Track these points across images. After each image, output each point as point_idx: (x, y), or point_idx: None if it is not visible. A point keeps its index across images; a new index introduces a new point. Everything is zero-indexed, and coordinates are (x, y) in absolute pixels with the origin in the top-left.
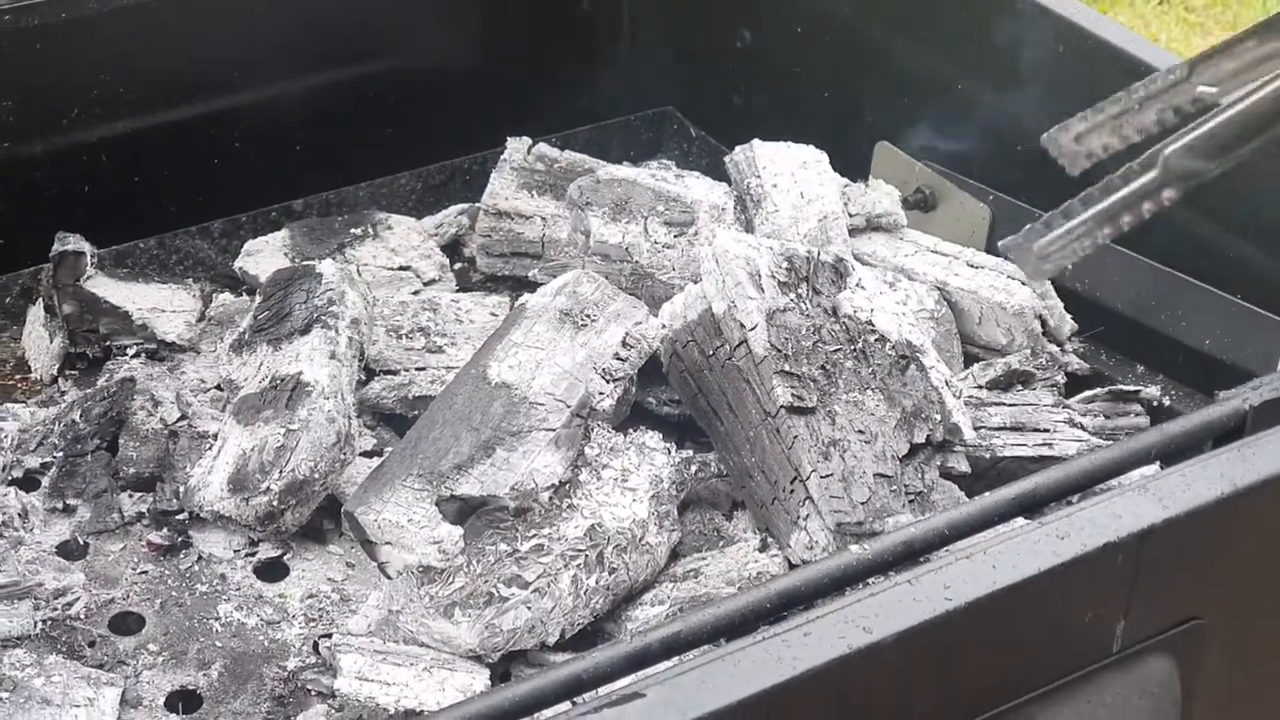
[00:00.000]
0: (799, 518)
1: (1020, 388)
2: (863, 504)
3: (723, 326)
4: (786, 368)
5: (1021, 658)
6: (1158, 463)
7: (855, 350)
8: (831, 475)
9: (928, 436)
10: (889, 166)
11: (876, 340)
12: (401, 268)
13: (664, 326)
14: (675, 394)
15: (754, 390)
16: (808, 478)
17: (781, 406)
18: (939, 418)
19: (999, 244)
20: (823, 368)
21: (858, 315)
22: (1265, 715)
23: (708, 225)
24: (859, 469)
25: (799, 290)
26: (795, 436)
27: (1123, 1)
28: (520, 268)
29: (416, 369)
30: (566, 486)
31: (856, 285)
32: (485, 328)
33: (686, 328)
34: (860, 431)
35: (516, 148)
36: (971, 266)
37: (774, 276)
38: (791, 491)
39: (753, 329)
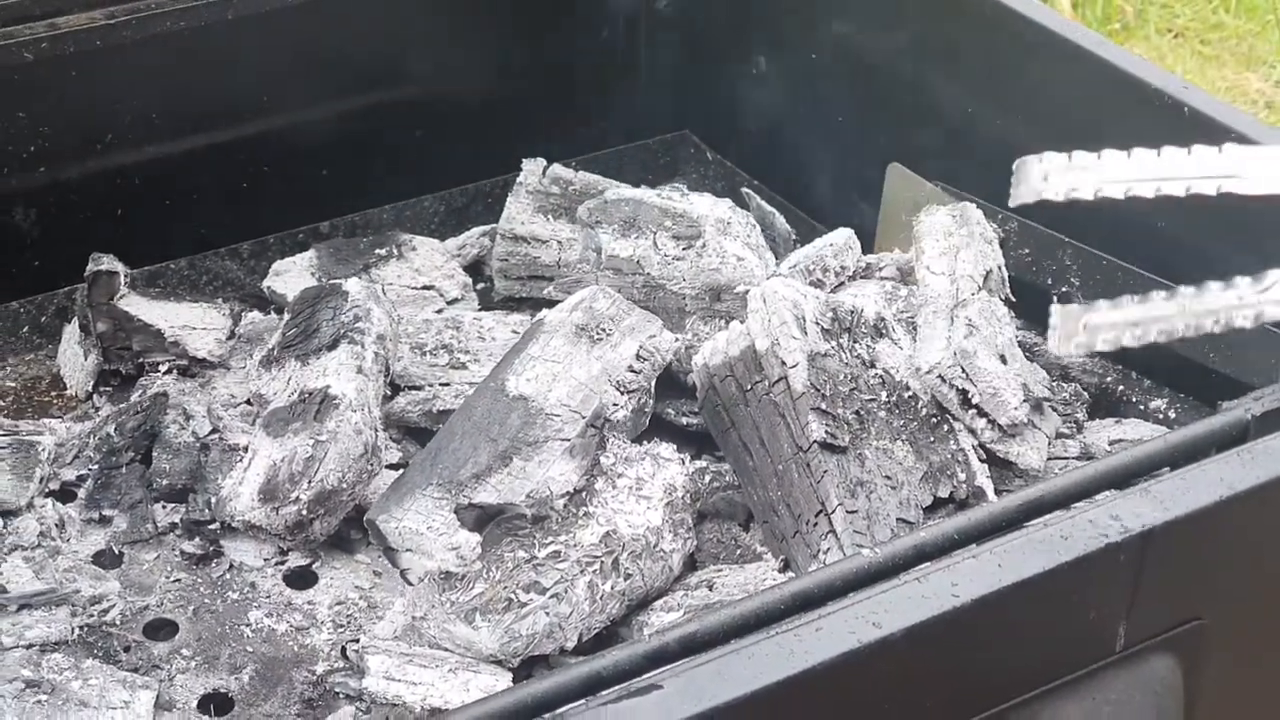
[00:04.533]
0: (819, 551)
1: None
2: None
3: (764, 362)
4: (823, 406)
5: (1027, 654)
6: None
7: (889, 402)
8: (857, 512)
9: (951, 493)
10: (900, 187)
11: (910, 396)
12: (425, 287)
13: (704, 363)
14: (694, 406)
15: (788, 425)
16: (833, 511)
17: (815, 441)
18: (964, 477)
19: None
20: (857, 413)
21: (894, 371)
22: (1268, 713)
23: (715, 238)
24: (883, 511)
25: (840, 340)
26: (825, 472)
27: (1138, 34)
28: (537, 290)
29: (440, 384)
30: (582, 494)
31: (895, 344)
32: (507, 344)
33: (726, 363)
34: (888, 477)
35: (532, 170)
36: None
37: (818, 323)
38: (815, 525)
39: (793, 366)
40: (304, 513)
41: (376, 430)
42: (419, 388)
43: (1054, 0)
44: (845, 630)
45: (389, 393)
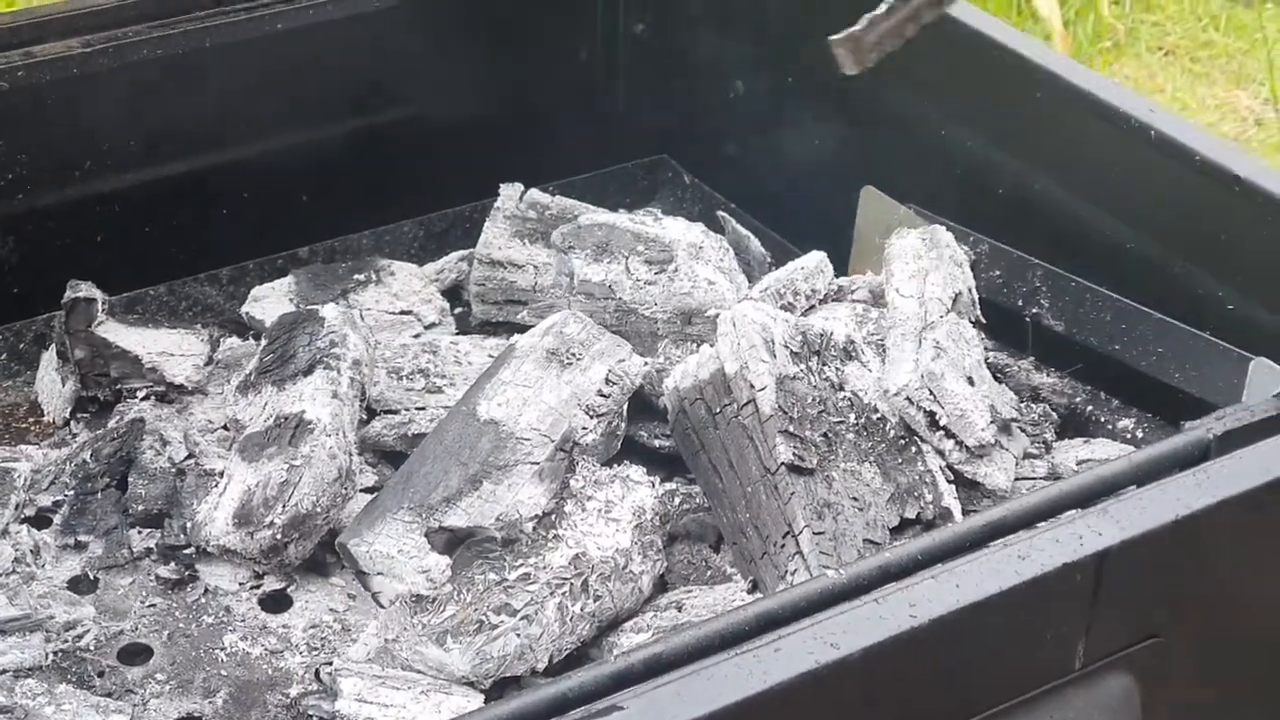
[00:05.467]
0: (787, 572)
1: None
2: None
3: (733, 386)
4: (791, 429)
5: (985, 674)
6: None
7: (857, 425)
8: (824, 534)
9: (919, 514)
10: (874, 210)
11: (878, 419)
12: (403, 312)
13: (674, 387)
14: (667, 429)
15: (756, 447)
16: (800, 533)
17: (782, 464)
18: (931, 498)
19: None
20: (825, 435)
21: (862, 394)
22: None
23: (686, 262)
24: (850, 532)
25: (809, 363)
26: (792, 493)
27: (1129, 52)
28: (514, 314)
29: (416, 409)
30: (552, 517)
31: (864, 366)
32: (483, 369)
33: (696, 386)
34: (854, 499)
35: (509, 195)
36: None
37: (787, 346)
38: (782, 546)
39: (762, 389)
40: (278, 537)
41: (351, 455)
42: (395, 412)
43: (1046, 20)
44: (803, 651)
45: (364, 417)
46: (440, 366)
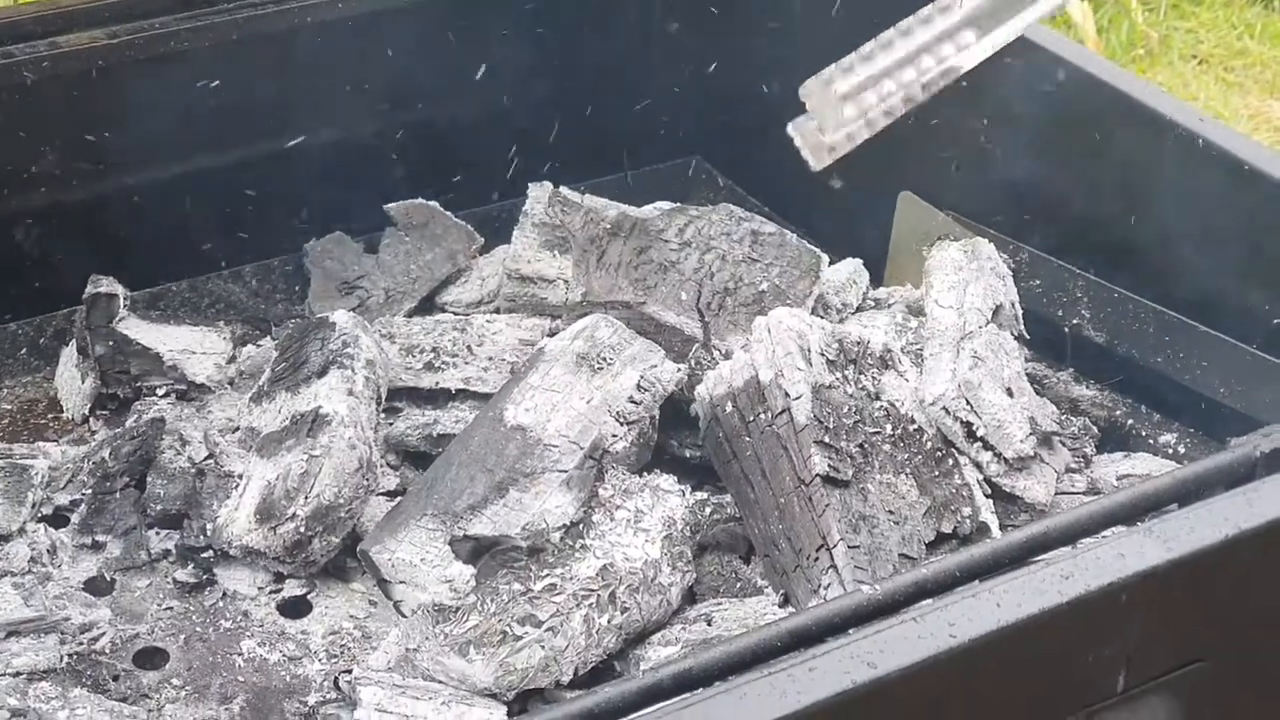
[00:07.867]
0: (820, 585)
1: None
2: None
3: (767, 394)
4: (826, 439)
5: (1025, 696)
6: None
7: (893, 435)
8: (859, 548)
9: (955, 528)
10: (912, 216)
11: (915, 430)
12: None
13: (707, 395)
14: (697, 438)
15: (791, 458)
16: (835, 546)
17: (817, 475)
18: (968, 512)
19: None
20: (860, 446)
21: (899, 404)
22: None
23: None
24: (885, 547)
25: (845, 371)
26: (827, 506)
27: (1161, 61)
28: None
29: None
30: (579, 527)
31: (901, 376)
32: (505, 349)
33: (730, 393)
34: (891, 512)
35: (538, 196)
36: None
37: (823, 354)
38: (816, 559)
39: (797, 398)
40: (302, 530)
41: (371, 447)
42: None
43: (1080, 26)
44: (840, 670)
45: (383, 419)
46: (456, 346)
